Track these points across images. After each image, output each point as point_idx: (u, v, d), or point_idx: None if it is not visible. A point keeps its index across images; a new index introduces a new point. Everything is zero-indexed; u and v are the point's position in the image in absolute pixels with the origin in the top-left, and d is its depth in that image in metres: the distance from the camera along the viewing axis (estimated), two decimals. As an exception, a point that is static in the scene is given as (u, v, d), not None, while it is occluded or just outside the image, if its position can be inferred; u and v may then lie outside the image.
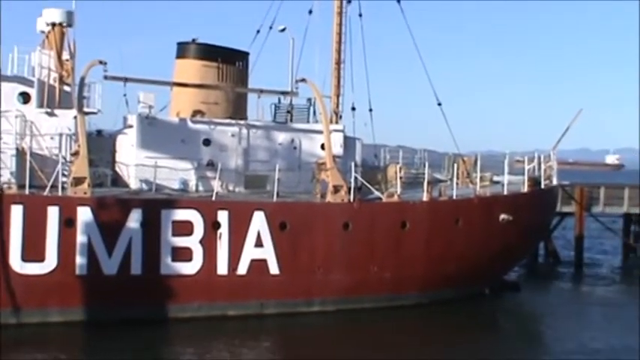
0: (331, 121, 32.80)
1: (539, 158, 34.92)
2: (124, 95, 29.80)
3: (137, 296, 26.05)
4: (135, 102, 30.49)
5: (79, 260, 25.71)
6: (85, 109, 28.56)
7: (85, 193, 26.20)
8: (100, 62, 28.42)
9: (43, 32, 30.09)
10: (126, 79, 29.40)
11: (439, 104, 35.27)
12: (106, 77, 28.92)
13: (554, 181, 35.87)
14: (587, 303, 35.11)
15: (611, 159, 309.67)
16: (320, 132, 31.43)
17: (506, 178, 32.90)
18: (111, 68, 28.83)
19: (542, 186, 34.43)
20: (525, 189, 33.38)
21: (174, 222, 26.80)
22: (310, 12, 35.04)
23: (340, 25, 34.70)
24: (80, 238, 25.74)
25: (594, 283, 40.17)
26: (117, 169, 30.16)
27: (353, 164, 30.47)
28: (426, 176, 31.14)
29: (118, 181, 29.88)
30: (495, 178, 35.51)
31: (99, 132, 31.26)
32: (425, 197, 30.50)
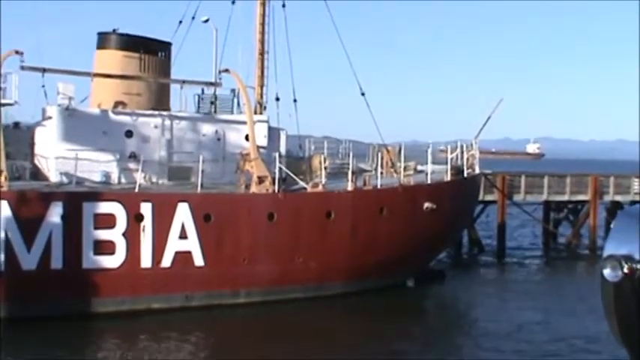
0: (255, 112, 32.66)
1: (461, 147, 35.42)
2: (43, 86, 29.10)
3: (58, 291, 25.51)
4: (54, 93, 29.82)
5: (-3, 256, 25.05)
6: (1, 101, 27.80)
7: (2, 186, 25.52)
8: (17, 52, 27.69)
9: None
10: (44, 70, 28.71)
11: (362, 94, 35.40)
12: (22, 67, 28.15)
13: (477, 170, 36.47)
14: (509, 290, 35.93)
15: (531, 148, 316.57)
16: (244, 123, 31.27)
17: (429, 168, 33.30)
18: (28, 58, 28.13)
19: (465, 175, 34.95)
20: (448, 178, 33.84)
21: (96, 215, 26.33)
22: (233, 2, 34.76)
23: (263, 15, 34.55)
24: (-2, 233, 25.08)
25: (517, 270, 41.08)
26: (36, 162, 29.47)
27: (277, 155, 30.42)
28: (351, 166, 31.29)
29: (37, 174, 29.21)
30: (419, 168, 35.92)
31: (16, 124, 30.49)
32: (349, 187, 30.65)
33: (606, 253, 3.09)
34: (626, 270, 2.99)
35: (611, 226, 3.25)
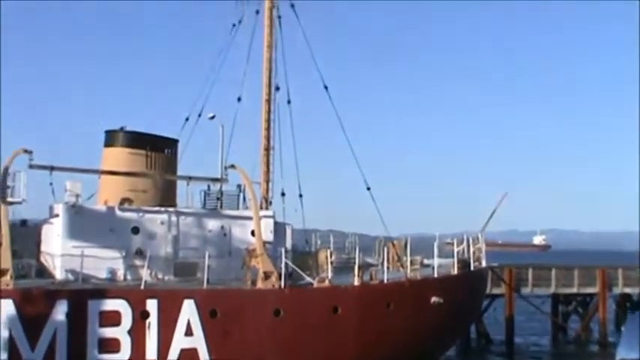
0: (261, 207, 32.80)
1: (468, 240, 35.36)
2: (50, 184, 29.26)
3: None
4: (61, 190, 30.03)
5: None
6: (9, 199, 27.99)
7: (8, 285, 25.47)
8: (25, 151, 28.01)
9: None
10: (52, 168, 28.96)
11: (368, 188, 35.62)
12: (31, 166, 28.43)
13: (484, 263, 36.31)
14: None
15: (538, 240, 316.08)
16: (250, 218, 31.33)
17: (436, 261, 33.16)
18: (37, 156, 28.43)
19: (472, 268, 34.78)
20: (455, 271, 33.67)
21: (101, 312, 26.17)
22: (239, 99, 35.36)
23: (269, 112, 35.08)
24: (1, 333, 24.88)
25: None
26: (42, 259, 29.46)
27: (283, 250, 30.39)
28: (357, 260, 31.19)
29: (43, 272, 29.15)
30: (426, 261, 35.77)
31: (23, 222, 30.57)
32: (356, 282, 30.50)
33: (618, 357, 3.09)
34: None
35: (622, 329, 3.26)
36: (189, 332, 27.21)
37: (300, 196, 35.01)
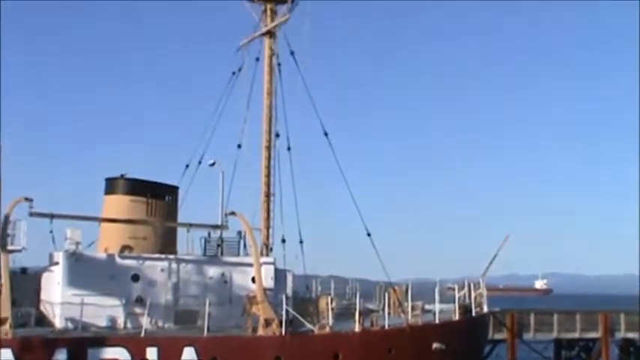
0: (262, 254, 32.75)
1: (469, 286, 35.23)
2: (51, 232, 29.25)
3: None
4: (62, 238, 30.00)
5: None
6: (9, 247, 27.96)
7: (7, 334, 25.33)
8: (26, 199, 28.06)
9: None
10: (52, 216, 28.95)
11: (368, 235, 35.60)
12: (31, 214, 28.45)
13: (485, 308, 36.13)
14: None
15: (539, 284, 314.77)
16: (251, 265, 31.26)
17: (437, 307, 33.02)
18: (37, 204, 28.45)
19: (474, 313, 34.61)
20: (457, 317, 33.50)
21: (100, 361, 25.98)
22: (239, 146, 35.54)
23: (269, 158, 35.23)
24: (1, 382, 24.70)
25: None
26: (41, 307, 29.33)
27: (284, 297, 30.28)
28: (358, 306, 31.05)
29: (42, 320, 29.00)
30: (427, 307, 35.61)
31: (23, 270, 30.50)
32: (357, 328, 30.34)
33: None
34: None
35: None
36: (189, 380, 26.98)
37: (301, 242, 35.03)
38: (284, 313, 29.39)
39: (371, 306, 36.44)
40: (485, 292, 36.28)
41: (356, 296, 32.55)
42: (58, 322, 28.62)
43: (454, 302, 34.07)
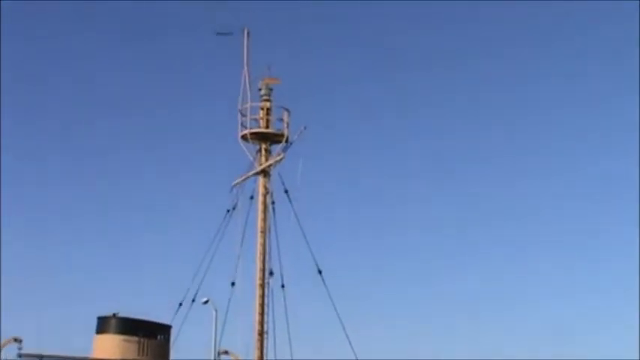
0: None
1: None
2: None
3: None
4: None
5: None
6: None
7: None
8: (15, 340, 27.78)
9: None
10: (41, 357, 28.59)
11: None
12: (20, 355, 28.09)
13: None
14: None
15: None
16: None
17: None
18: (27, 342, 28.12)
19: None
20: None
21: None
22: (233, 284, 35.40)
23: (262, 296, 35.04)
24: None
25: None
26: None
27: None
28: None
29: None
30: None
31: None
32: None
33: None
34: None
35: None
36: None
37: (295, 379, 34.42)
38: None
39: None
40: None
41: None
42: None
43: None
